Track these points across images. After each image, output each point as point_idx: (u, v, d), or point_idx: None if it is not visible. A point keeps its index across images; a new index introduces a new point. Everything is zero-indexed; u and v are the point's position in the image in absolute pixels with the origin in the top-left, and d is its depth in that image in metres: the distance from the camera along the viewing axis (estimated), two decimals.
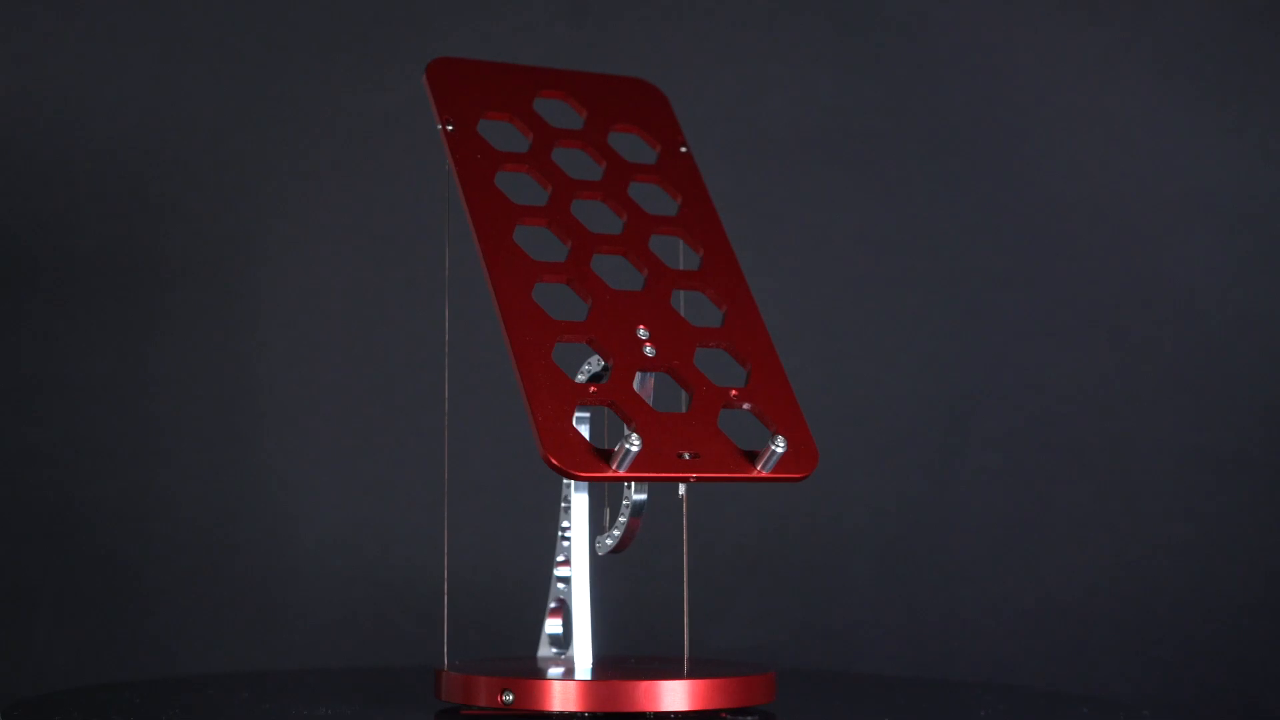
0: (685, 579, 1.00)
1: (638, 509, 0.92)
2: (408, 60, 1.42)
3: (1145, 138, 1.45)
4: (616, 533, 0.94)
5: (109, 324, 1.43)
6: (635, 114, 1.02)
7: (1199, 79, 1.45)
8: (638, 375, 0.90)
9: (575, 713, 0.87)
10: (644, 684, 0.87)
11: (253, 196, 1.45)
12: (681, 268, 0.96)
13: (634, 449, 0.84)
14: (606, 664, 0.94)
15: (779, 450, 0.86)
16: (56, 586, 1.41)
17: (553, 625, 0.97)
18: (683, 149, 1.01)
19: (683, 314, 0.93)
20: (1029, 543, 1.44)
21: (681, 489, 0.95)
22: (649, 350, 0.90)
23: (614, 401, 0.88)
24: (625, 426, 0.86)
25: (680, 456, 0.86)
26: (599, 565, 0.95)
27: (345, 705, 0.98)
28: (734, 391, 0.89)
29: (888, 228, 1.46)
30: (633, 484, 0.91)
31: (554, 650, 0.96)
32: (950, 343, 1.45)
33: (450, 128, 0.97)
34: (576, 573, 0.93)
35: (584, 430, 0.91)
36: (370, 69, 1.46)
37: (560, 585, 0.96)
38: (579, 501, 0.93)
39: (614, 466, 0.84)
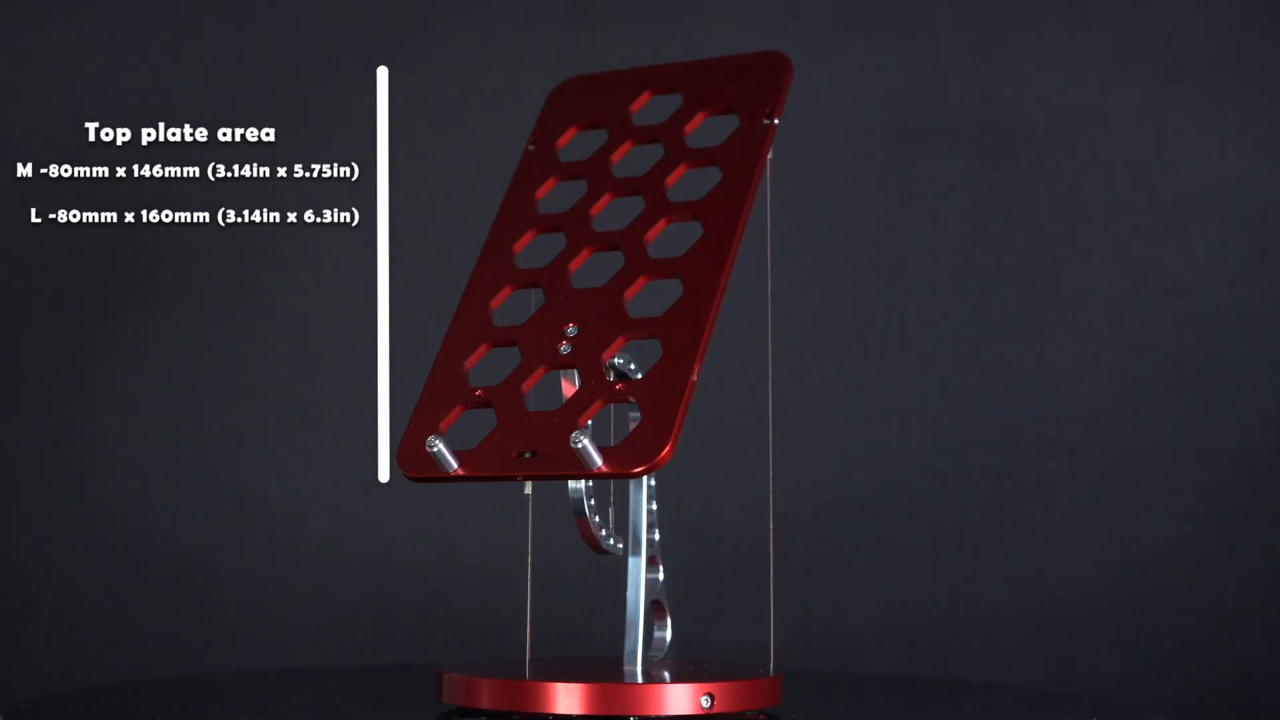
0: (529, 579, 0.97)
1: (575, 508, 0.92)
2: (410, 61, 1.41)
3: (1145, 138, 1.45)
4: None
5: (109, 325, 1.42)
6: (736, 92, 0.97)
7: (1199, 79, 1.45)
8: (561, 373, 0.91)
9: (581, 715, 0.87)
10: (647, 687, 0.87)
11: (255, 197, 1.44)
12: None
13: (432, 450, 0.87)
14: (671, 665, 0.93)
15: (576, 446, 0.84)
16: (57, 586, 1.41)
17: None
18: (765, 120, 0.95)
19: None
20: (1029, 543, 1.44)
21: (527, 488, 0.91)
22: (564, 348, 0.90)
23: (490, 402, 0.89)
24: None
25: (521, 456, 0.87)
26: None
27: (346, 705, 0.97)
28: (619, 385, 0.88)
29: (888, 228, 1.46)
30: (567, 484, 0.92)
31: (653, 650, 0.95)
32: (950, 343, 1.45)
33: (533, 147, 0.98)
34: (631, 575, 0.93)
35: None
36: (371, 70, 1.46)
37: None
38: (636, 503, 0.94)
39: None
